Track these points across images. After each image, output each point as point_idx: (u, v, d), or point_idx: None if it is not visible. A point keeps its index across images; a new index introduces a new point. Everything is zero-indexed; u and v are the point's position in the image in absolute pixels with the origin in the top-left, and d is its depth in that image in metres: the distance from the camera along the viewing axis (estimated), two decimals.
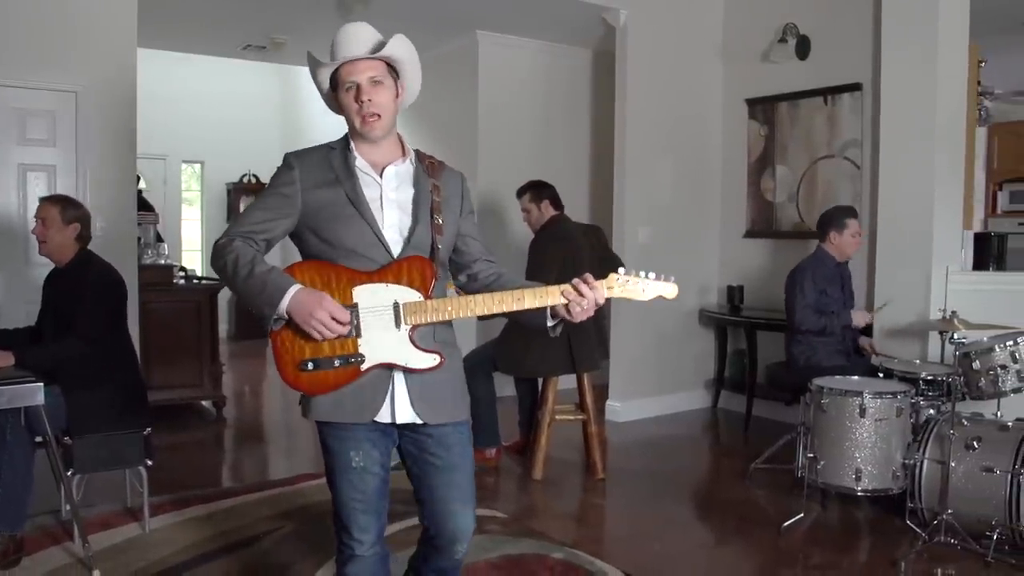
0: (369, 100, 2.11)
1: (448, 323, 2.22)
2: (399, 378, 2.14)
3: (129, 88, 5.15)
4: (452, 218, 2.23)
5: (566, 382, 4.94)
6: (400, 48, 2.16)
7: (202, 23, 6.50)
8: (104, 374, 3.57)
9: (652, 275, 2.04)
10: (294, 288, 2.02)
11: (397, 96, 2.19)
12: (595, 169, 7.25)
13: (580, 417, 4.81)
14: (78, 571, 3.28)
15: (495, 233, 6.63)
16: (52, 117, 4.98)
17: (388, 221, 2.15)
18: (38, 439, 3.37)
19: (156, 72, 8.15)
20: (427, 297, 2.09)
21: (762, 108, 6.18)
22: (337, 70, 2.15)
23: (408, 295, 2.09)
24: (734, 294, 6.19)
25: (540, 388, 4.93)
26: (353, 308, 2.07)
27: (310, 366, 2.06)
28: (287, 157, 2.22)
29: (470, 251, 2.29)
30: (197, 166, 10.17)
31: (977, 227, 6.99)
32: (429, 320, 2.09)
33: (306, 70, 2.26)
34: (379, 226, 2.14)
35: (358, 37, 2.15)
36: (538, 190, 4.94)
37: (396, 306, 2.08)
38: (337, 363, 2.06)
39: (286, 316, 2.03)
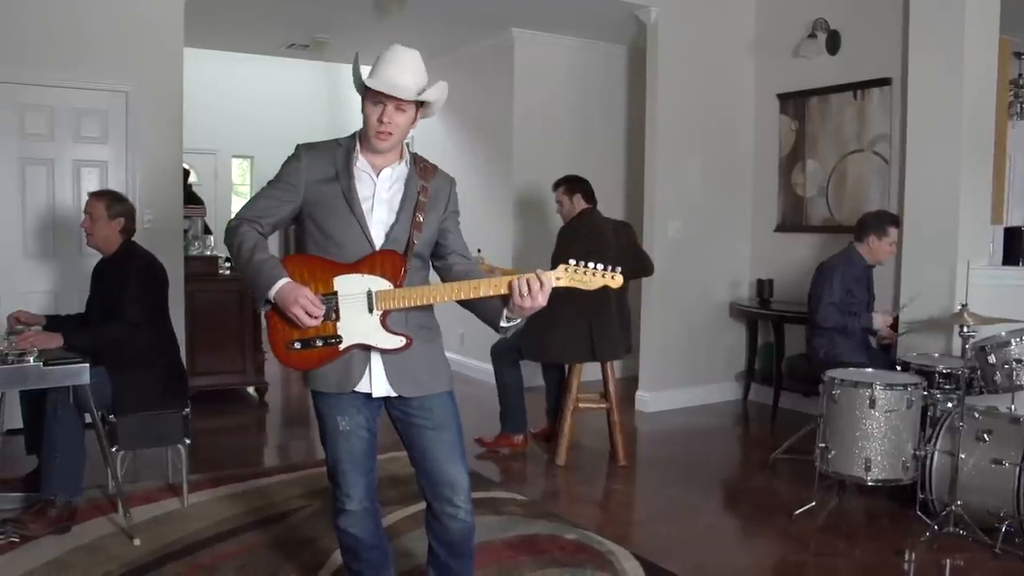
0: (389, 122, 2.31)
1: (424, 308, 2.42)
2: (375, 357, 2.38)
3: (176, 87, 5.41)
4: (435, 216, 2.44)
5: (595, 373, 5.08)
6: (437, 95, 2.37)
7: (246, 23, 6.75)
8: (146, 357, 3.81)
9: (599, 267, 2.24)
10: (281, 281, 2.27)
11: (413, 122, 2.39)
12: (630, 164, 7.34)
13: (603, 405, 4.94)
14: (121, 539, 3.53)
15: (532, 226, 6.80)
16: (104, 116, 5.26)
17: (376, 218, 2.38)
18: (88, 421, 3.63)
19: (208, 70, 8.48)
20: (397, 286, 2.31)
21: (793, 103, 6.22)
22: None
23: (380, 284, 2.32)
24: (764, 288, 6.24)
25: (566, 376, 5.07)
26: (333, 296, 2.31)
27: (297, 346, 2.33)
28: (298, 148, 2.44)
29: (447, 244, 2.49)
30: (247, 161, 10.49)
31: (1020, 222, 6.93)
32: (398, 306, 2.32)
33: (351, 67, 2.47)
34: (366, 222, 2.36)
35: (404, 69, 2.31)
36: (572, 184, 5.07)
37: (369, 294, 2.31)
38: (319, 343, 2.32)
39: (274, 302, 2.28)
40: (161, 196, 5.37)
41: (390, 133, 2.32)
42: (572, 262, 2.24)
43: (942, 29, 4.95)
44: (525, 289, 2.20)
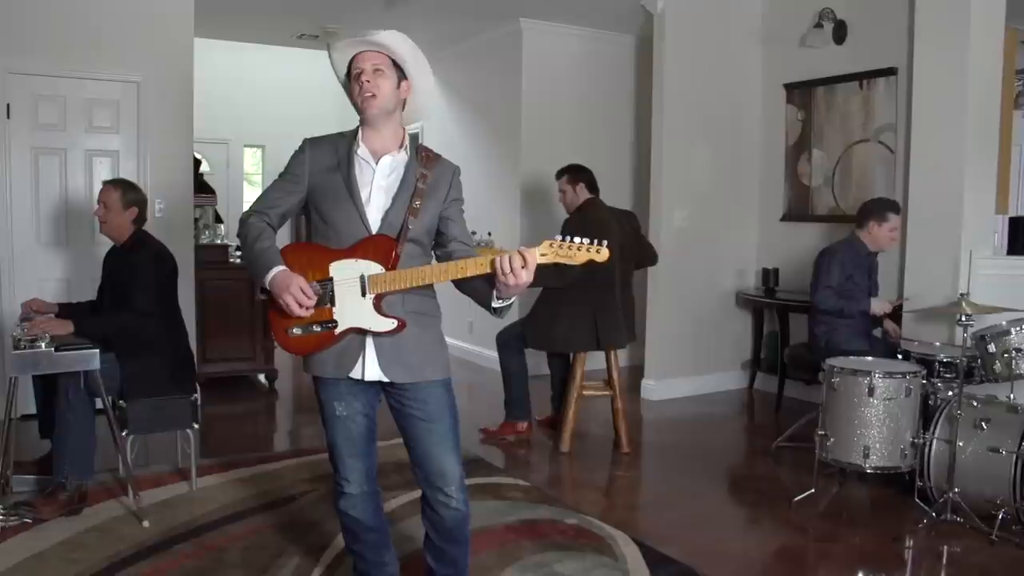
0: (368, 82, 2.38)
1: (423, 294, 2.47)
2: (370, 341, 2.42)
3: (187, 77, 5.48)
4: (434, 204, 2.47)
5: (600, 361, 5.13)
6: (392, 39, 2.41)
7: (256, 13, 6.81)
8: (155, 343, 3.88)
9: (584, 241, 2.20)
10: (275, 269, 2.35)
11: (399, 87, 2.44)
12: (637, 154, 7.37)
13: (607, 393, 4.98)
14: (130, 521, 3.61)
15: (540, 215, 6.84)
16: (116, 106, 5.34)
17: (374, 204, 2.43)
18: (99, 407, 3.71)
19: (219, 60, 8.54)
20: (388, 269, 2.35)
21: (799, 93, 6.23)
22: (352, 62, 2.43)
23: (372, 268, 2.36)
24: (769, 277, 6.27)
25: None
26: (328, 281, 2.37)
27: (295, 331, 2.39)
28: (304, 142, 2.52)
29: (448, 232, 2.52)
30: (259, 150, 10.56)
31: None
32: (390, 289, 2.35)
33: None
34: (364, 208, 2.41)
35: (367, 34, 2.42)
36: (575, 173, 5.08)
37: (362, 278, 2.36)
38: (316, 328, 2.38)
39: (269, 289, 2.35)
40: (172, 185, 5.45)
41: (374, 95, 2.38)
42: (557, 237, 2.21)
43: (948, 19, 4.94)
44: (507, 266, 2.18)
